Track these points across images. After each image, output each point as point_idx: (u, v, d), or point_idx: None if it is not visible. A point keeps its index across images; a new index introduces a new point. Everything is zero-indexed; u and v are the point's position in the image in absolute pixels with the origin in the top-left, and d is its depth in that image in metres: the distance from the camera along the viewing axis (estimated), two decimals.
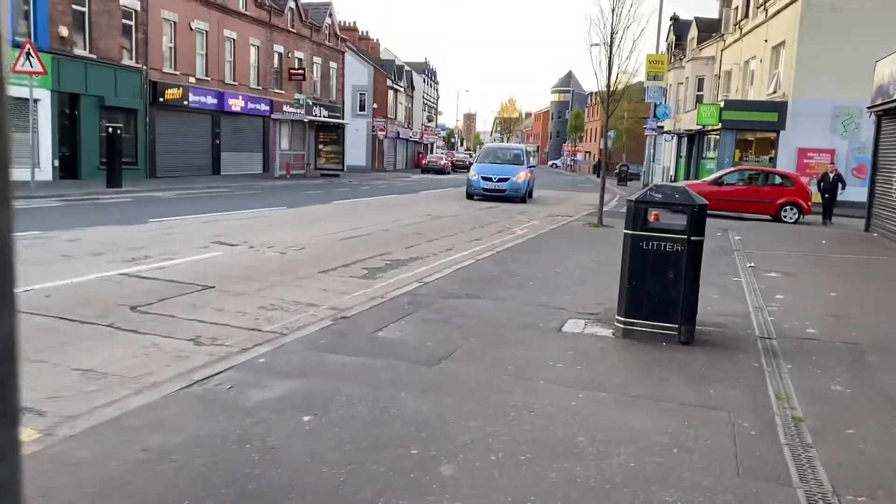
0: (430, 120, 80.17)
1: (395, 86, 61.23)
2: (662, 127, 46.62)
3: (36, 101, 21.69)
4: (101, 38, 24.22)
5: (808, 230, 18.29)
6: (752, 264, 11.19)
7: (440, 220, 16.36)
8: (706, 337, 6.38)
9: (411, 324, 6.27)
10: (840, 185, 20.87)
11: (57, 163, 22.73)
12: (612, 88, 15.70)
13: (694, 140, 38.25)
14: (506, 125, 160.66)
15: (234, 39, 32.58)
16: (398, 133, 62.21)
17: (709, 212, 18.61)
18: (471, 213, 18.56)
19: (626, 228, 6.27)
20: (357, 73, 55.33)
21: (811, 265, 11.80)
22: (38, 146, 22.17)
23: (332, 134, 35.69)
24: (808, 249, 13.90)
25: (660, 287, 6.11)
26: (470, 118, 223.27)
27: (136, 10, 25.96)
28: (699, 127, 33.82)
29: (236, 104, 32.55)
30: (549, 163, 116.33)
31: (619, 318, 6.27)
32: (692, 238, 6.00)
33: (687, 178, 37.84)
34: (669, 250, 6.06)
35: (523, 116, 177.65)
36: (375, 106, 56.38)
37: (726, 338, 6.46)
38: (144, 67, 26.57)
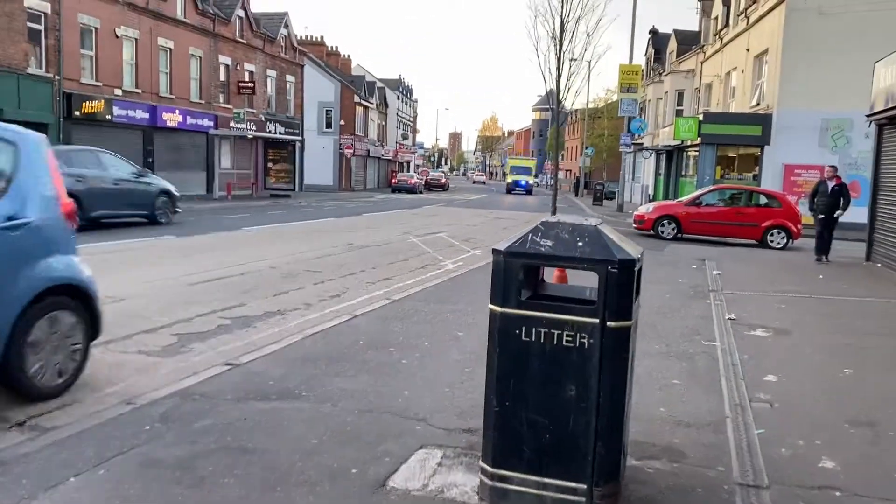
0: (405, 138, 77.59)
1: (364, 102, 58.62)
2: (642, 143, 44.25)
3: None
4: None
5: (799, 259, 15.62)
6: (733, 315, 8.43)
7: (359, 251, 13.56)
8: (646, 492, 3.59)
9: (94, 489, 3.42)
10: (842, 202, 14.39)
11: None
12: (562, 93, 13.03)
13: (673, 157, 35.76)
14: (487, 144, 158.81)
15: (170, 49, 29.78)
16: (368, 151, 59.49)
17: (686, 236, 15.79)
18: (406, 241, 15.77)
19: (492, 303, 3.49)
20: (323, 89, 52.68)
21: (809, 314, 9.05)
22: None
23: (283, 151, 32.92)
24: (802, 288, 11.17)
25: (553, 413, 3.32)
26: (455, 137, 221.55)
27: (45, 14, 23.14)
28: (677, 142, 31.32)
29: (173, 119, 29.70)
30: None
31: (484, 466, 3.46)
32: (609, 324, 3.22)
33: (666, 197, 35.32)
34: (568, 345, 3.28)
35: (505, 135, 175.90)
36: (343, 123, 53.69)
37: (683, 493, 3.66)
38: (57, 77, 23.70)
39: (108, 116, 25.93)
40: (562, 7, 12.31)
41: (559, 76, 12.83)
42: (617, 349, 3.24)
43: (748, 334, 7.57)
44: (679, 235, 19.36)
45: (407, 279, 10.38)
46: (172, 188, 18.55)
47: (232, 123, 32.14)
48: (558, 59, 12.66)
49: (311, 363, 5.58)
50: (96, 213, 15.00)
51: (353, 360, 5.70)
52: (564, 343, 3.25)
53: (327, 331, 6.65)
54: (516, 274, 3.34)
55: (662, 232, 19.52)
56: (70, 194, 5.64)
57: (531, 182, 66.08)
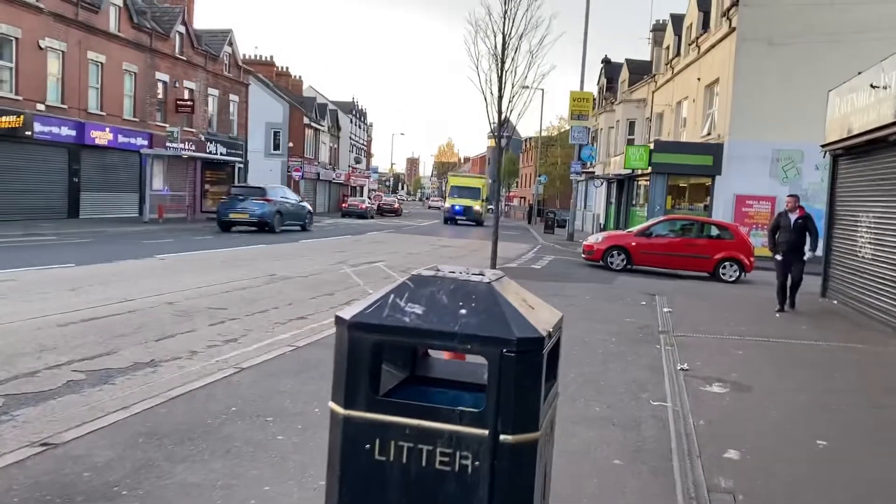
0: (357, 162, 76.40)
1: (315, 124, 57.35)
2: (594, 172, 43.85)
3: None
4: None
5: (754, 294, 14.86)
6: (685, 365, 7.41)
7: (280, 283, 12.28)
8: None
9: None
10: (809, 238, 11.68)
11: None
12: (504, 115, 12.04)
13: (624, 186, 35.30)
14: (443, 169, 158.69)
15: (101, 63, 28.18)
16: (319, 174, 58.10)
17: (637, 268, 14.85)
18: (338, 272, 14.54)
19: (332, 400, 2.33)
20: (271, 110, 51.29)
21: (770, 364, 8.10)
22: None
23: (222, 173, 31.40)
24: (759, 329, 10.29)
25: None
26: (413, 162, 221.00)
27: None
28: (628, 171, 30.80)
29: (102, 137, 28.02)
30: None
31: None
32: (504, 439, 2.10)
33: (617, 226, 34.77)
34: (443, 468, 2.14)
35: (462, 161, 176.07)
36: (291, 145, 52.28)
37: None
38: None
39: (29, 133, 24.17)
40: (503, 23, 11.29)
41: (501, 96, 11.78)
42: (516, 475, 2.11)
43: (703, 391, 6.55)
44: (629, 267, 18.53)
45: (324, 318, 9.15)
46: (310, 208, 30.70)
47: (167, 143, 30.56)
48: (500, 79, 11.64)
49: (154, 441, 4.33)
50: (288, 224, 27.17)
51: (213, 437, 4.48)
52: (438, 466, 2.12)
53: (196, 392, 5.41)
54: (366, 358, 2.19)
55: (612, 263, 18.67)
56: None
57: (479, 208, 46.80)
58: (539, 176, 60.96)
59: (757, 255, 18.60)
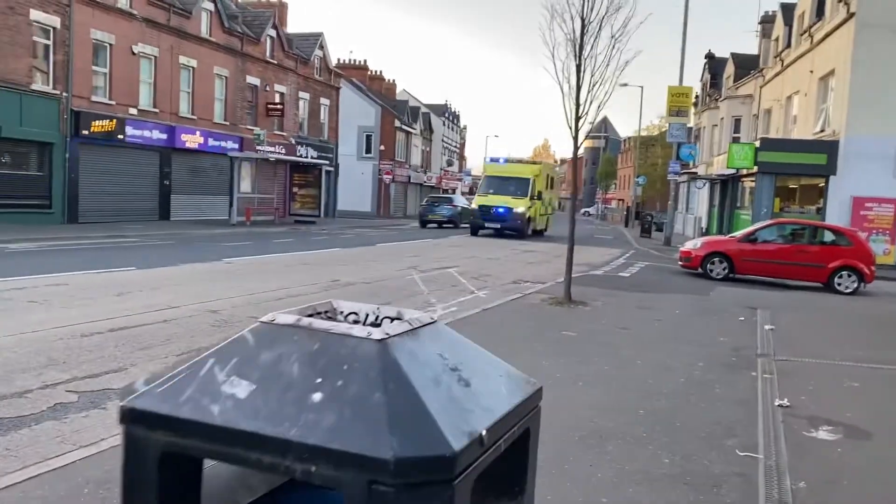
0: (449, 164, 76.01)
1: (406, 127, 57.23)
2: (696, 172, 41.48)
3: None
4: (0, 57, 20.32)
5: (875, 309, 13.03)
6: (786, 401, 6.10)
7: (339, 289, 11.56)
8: None
9: None
10: None
11: None
12: (582, 108, 10.86)
13: (727, 187, 33.01)
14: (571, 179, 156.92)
15: (193, 68, 28.67)
16: (409, 177, 57.97)
17: (739, 276, 13.24)
18: (405, 278, 13.74)
19: None
20: (363, 113, 51.53)
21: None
22: None
23: (309, 176, 31.38)
24: (884, 354, 8.70)
25: None
26: None
27: (53, 28, 22.12)
28: (732, 171, 28.66)
29: (193, 140, 28.48)
30: (582, 211, 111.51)
31: None
32: None
33: (721, 230, 32.54)
34: None
35: (558, 162, 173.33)
36: (383, 148, 52.32)
37: None
38: (65, 95, 22.61)
39: (121, 136, 24.75)
40: (583, 6, 10.15)
41: (579, 87, 10.64)
42: None
43: (808, 437, 5.26)
44: (731, 275, 16.88)
45: None
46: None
47: (255, 146, 30.82)
48: (577, 67, 10.51)
49: (101, 492, 3.55)
50: (464, 223, 33.24)
51: None
52: None
53: None
54: (151, 475, 1.23)
55: (711, 271, 17.07)
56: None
57: (523, 209, 29.04)
58: (637, 177, 58.65)
59: (878, 264, 16.55)
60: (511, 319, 9.42)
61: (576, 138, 11.05)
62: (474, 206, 29.80)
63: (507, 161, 32.18)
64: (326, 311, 1.54)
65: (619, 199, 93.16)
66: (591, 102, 10.91)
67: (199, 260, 14.49)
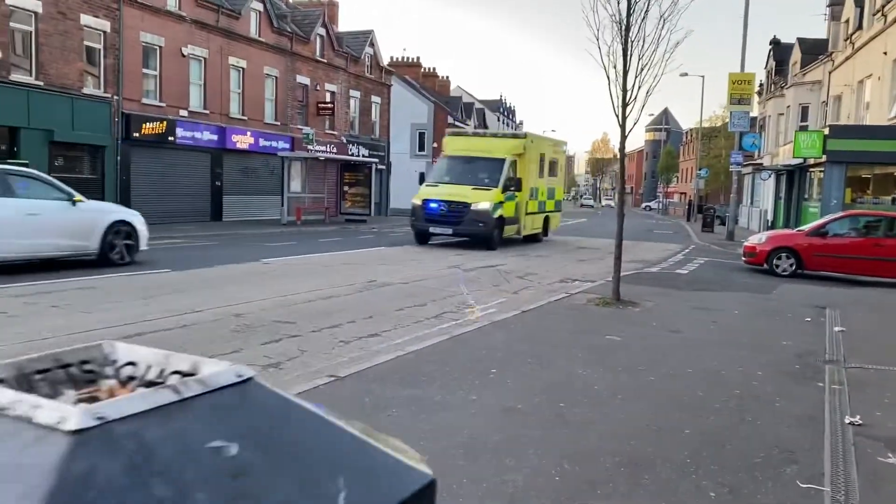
0: None
1: (460, 124, 56.66)
2: (761, 163, 39.75)
3: None
4: (51, 62, 20.59)
5: None
6: (857, 419, 5.28)
7: (374, 290, 11.08)
8: None
9: None
10: None
11: None
12: (630, 93, 10.10)
13: (794, 178, 31.39)
14: (598, 166, 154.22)
15: (242, 68, 28.73)
16: None
17: (807, 273, 11.99)
18: (446, 277, 13.18)
19: None
20: (416, 111, 51.23)
21: None
22: None
23: (359, 174, 31.13)
24: None
25: None
26: (567, 160, 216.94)
27: (104, 32, 22.35)
28: (799, 161, 27.16)
29: (244, 141, 28.55)
30: (643, 205, 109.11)
31: None
32: None
33: (787, 224, 30.98)
34: None
35: (617, 156, 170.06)
36: (436, 145, 51.83)
37: None
38: (116, 98, 22.84)
39: (171, 138, 24.92)
40: None
41: (626, 70, 9.89)
42: None
43: (884, 464, 4.47)
44: (798, 272, 15.79)
45: (402, 335, 7.78)
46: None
47: (304, 146, 30.74)
48: (624, 50, 9.77)
49: None
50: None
51: None
52: None
53: None
54: None
55: (777, 267, 16.01)
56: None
57: (487, 206, 19.10)
58: (699, 169, 56.75)
59: None
60: (551, 322, 8.75)
61: (623, 126, 10.28)
62: (416, 200, 19.52)
63: (475, 134, 23.90)
64: (87, 362, 0.97)
65: (681, 193, 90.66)
66: (638, 87, 10.13)
67: (237, 261, 14.23)
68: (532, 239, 22.61)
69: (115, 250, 12.36)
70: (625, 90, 10.16)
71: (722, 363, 7.01)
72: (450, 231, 19.18)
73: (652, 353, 7.30)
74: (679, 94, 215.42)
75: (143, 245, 13.02)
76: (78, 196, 11.94)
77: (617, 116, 10.29)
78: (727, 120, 53.28)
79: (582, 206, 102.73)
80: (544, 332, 8.09)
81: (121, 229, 12.54)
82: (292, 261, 14.83)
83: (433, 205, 19.26)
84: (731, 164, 28.04)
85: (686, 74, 53.09)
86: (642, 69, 9.99)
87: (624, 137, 10.43)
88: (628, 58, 10.04)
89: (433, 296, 10.72)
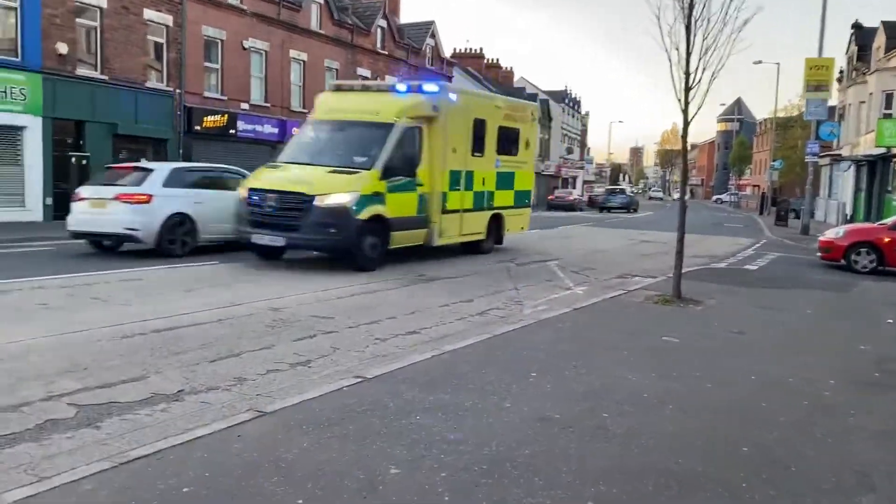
0: (569, 152, 73.85)
1: None
2: (840, 154, 37.78)
3: (20, 128, 18.69)
4: (116, 56, 20.98)
5: None
6: None
7: (422, 285, 10.73)
8: None
9: None
10: None
11: (50, 201, 19.48)
12: (693, 77, 9.45)
13: (876, 169, 29.61)
14: (667, 158, 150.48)
15: (304, 61, 28.81)
16: None
17: (890, 269, 10.87)
18: (496, 272, 12.75)
19: None
20: None
21: None
22: (25, 182, 19.04)
23: None
24: None
25: None
26: (636, 152, 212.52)
27: (167, 26, 22.66)
28: (882, 150, 25.57)
29: None
30: (714, 198, 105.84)
31: None
32: None
33: (868, 217, 29.29)
34: None
35: (689, 148, 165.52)
36: None
37: None
38: (178, 91, 23.16)
39: (233, 131, 25.17)
40: None
41: (689, 51, 9.26)
42: None
43: None
44: (879, 268, 14.75)
45: (442, 331, 7.41)
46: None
47: None
48: (687, 29, 9.15)
49: None
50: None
51: None
52: None
53: (167, 453, 3.89)
54: None
55: (856, 263, 15.00)
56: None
57: (353, 200, 11.50)
58: (773, 161, 54.47)
59: None
60: (604, 321, 8.22)
61: (685, 112, 9.63)
62: (241, 190, 12.56)
63: (364, 88, 15.23)
64: None
65: (754, 185, 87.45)
66: (703, 70, 9.46)
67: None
68: (472, 248, 15.18)
69: None
70: (687, 73, 9.50)
71: (789, 369, 6.38)
72: (281, 242, 11.67)
73: (711, 357, 6.72)
74: (753, 84, 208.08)
75: None
76: None
77: (679, 101, 9.65)
78: (803, 109, 50.97)
79: (650, 198, 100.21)
80: (594, 331, 7.58)
81: None
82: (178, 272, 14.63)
83: (256, 197, 11.94)
84: (806, 155, 26.64)
85: (760, 62, 51.03)
86: (707, 50, 9.32)
87: (686, 124, 9.76)
88: (691, 38, 9.38)
89: (483, 291, 10.31)
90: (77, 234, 12.71)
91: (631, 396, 5.30)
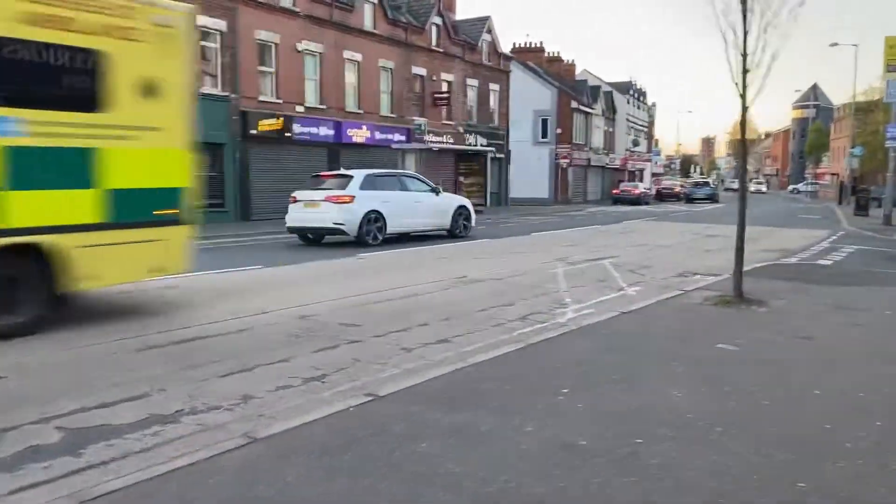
0: (636, 144, 72.02)
1: (585, 108, 54.71)
2: None
3: None
4: None
5: None
6: None
7: (462, 287, 10.26)
8: None
9: None
10: None
11: None
12: (751, 58, 8.67)
13: None
14: (738, 148, 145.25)
15: (358, 62, 28.72)
16: (589, 160, 55.44)
17: None
18: (546, 272, 12.16)
19: None
20: (539, 97, 49.88)
21: None
22: None
23: (474, 164, 30.39)
24: None
25: None
26: (707, 142, 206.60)
27: (220, 31, 22.84)
28: None
29: (360, 135, 28.55)
30: (790, 188, 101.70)
31: None
32: None
33: None
34: None
35: (762, 137, 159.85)
36: (559, 131, 50.35)
37: None
38: (233, 96, 23.32)
39: (289, 134, 25.23)
40: None
41: (746, 31, 8.50)
42: None
43: None
44: None
45: (473, 341, 6.91)
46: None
47: (433, 136, 30.33)
48: (744, 5, 8.41)
49: None
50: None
51: None
52: None
53: (111, 496, 3.53)
54: None
55: None
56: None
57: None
58: (853, 147, 51.69)
59: None
60: (652, 327, 7.56)
61: (743, 97, 8.84)
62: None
63: None
64: None
65: (833, 174, 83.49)
66: (762, 50, 8.65)
67: (333, 256, 13.86)
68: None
69: (458, 228, 17.98)
70: (745, 55, 8.72)
71: (862, 382, 5.63)
72: None
73: (772, 369, 6.01)
74: (830, 68, 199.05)
75: (473, 224, 18.70)
76: (440, 189, 18.00)
77: (736, 85, 8.87)
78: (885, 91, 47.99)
79: (726, 190, 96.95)
80: (641, 339, 6.95)
81: (461, 212, 18.13)
82: (388, 255, 14.32)
83: None
84: (887, 140, 24.93)
85: (836, 44, 48.47)
86: (765, 28, 8.52)
87: (745, 109, 8.96)
88: (748, 15, 8.59)
89: (525, 294, 9.75)
90: (293, 230, 16.17)
91: (674, 417, 4.69)
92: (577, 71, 62.82)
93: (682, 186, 61.21)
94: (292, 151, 25.75)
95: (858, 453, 4.18)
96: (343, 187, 15.54)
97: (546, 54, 56.73)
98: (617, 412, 4.77)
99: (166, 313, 8.05)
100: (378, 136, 29.55)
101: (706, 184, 60.00)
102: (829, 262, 14.23)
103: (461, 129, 34.97)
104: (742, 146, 9.55)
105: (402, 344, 6.81)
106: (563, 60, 59.64)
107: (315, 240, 16.23)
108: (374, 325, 7.54)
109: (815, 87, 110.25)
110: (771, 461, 4.03)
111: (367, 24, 29.26)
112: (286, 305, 8.54)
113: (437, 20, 33.50)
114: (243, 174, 23.71)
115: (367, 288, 10.02)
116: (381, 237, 15.76)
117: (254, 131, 23.91)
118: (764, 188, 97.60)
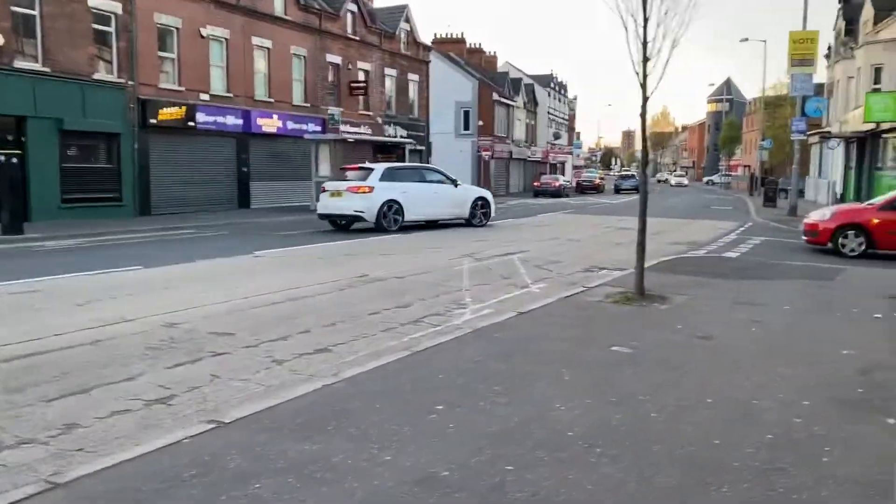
0: (557, 137, 72.67)
1: (506, 100, 54.71)
2: (829, 132, 36.71)
3: None
4: (58, 47, 19.76)
5: None
6: None
7: (362, 287, 9.68)
8: None
9: None
10: None
11: None
12: (651, 46, 8.36)
13: (865, 146, 28.57)
14: (658, 140, 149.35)
15: (268, 49, 27.60)
16: (511, 153, 55.50)
17: (881, 253, 9.57)
18: (451, 269, 11.70)
19: None
20: (460, 88, 49.53)
21: None
22: None
23: (391, 156, 29.69)
24: None
25: None
26: (628, 136, 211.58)
27: (115, 14, 21.44)
28: (871, 126, 24.52)
29: (270, 125, 27.47)
30: (705, 179, 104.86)
31: None
32: None
33: (858, 196, 28.28)
34: None
35: (679, 130, 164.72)
36: (481, 123, 50.16)
37: None
38: (130, 83, 21.95)
39: (192, 123, 23.99)
40: None
41: (646, 18, 8.16)
42: None
43: None
44: (869, 252, 13.76)
45: (356, 350, 6.33)
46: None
47: (349, 127, 29.46)
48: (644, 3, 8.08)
49: None
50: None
51: None
52: None
53: None
54: None
55: (844, 247, 14.03)
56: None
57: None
58: (762, 140, 53.45)
59: None
60: (548, 328, 7.15)
61: (644, 86, 8.53)
62: None
63: None
64: None
65: (745, 166, 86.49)
66: (663, 38, 8.36)
67: (229, 254, 13.05)
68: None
69: (476, 217, 19.46)
70: (645, 43, 8.40)
71: (756, 386, 5.33)
72: None
73: (665, 373, 5.66)
74: (743, 64, 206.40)
75: (493, 214, 20.33)
76: (459, 181, 19.58)
77: (637, 75, 8.55)
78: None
79: (658, 182, 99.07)
80: (534, 342, 6.52)
81: (479, 203, 19.65)
82: (290, 252, 13.60)
83: None
84: (792, 132, 25.59)
85: (746, 40, 50.12)
86: (666, 13, 8.22)
87: (645, 99, 8.66)
88: (647, 2, 8.27)
89: (426, 293, 9.23)
90: (323, 216, 18.21)
91: (552, 436, 4.24)
92: (499, 63, 62.86)
93: (601, 179, 62.36)
94: (197, 142, 24.53)
95: (747, 472, 3.81)
96: (364, 179, 17.31)
97: (467, 45, 56.43)
98: (491, 433, 4.29)
99: (10, 324, 7.16)
100: (290, 125, 28.54)
101: (632, 176, 63.63)
102: (734, 255, 14.26)
103: (380, 120, 34.25)
104: (643, 139, 9.24)
105: (275, 355, 6.18)
106: (484, 52, 59.56)
107: (344, 226, 18.03)
108: (248, 334, 6.87)
109: (728, 82, 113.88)
110: (651, 487, 3.61)
111: (278, 9, 28.16)
112: (156, 312, 7.76)
113: (353, 7, 32.62)
114: (143, 166, 22.40)
115: (256, 289, 9.31)
116: (398, 224, 17.40)
117: (154, 120, 22.60)
118: (685, 181, 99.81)
